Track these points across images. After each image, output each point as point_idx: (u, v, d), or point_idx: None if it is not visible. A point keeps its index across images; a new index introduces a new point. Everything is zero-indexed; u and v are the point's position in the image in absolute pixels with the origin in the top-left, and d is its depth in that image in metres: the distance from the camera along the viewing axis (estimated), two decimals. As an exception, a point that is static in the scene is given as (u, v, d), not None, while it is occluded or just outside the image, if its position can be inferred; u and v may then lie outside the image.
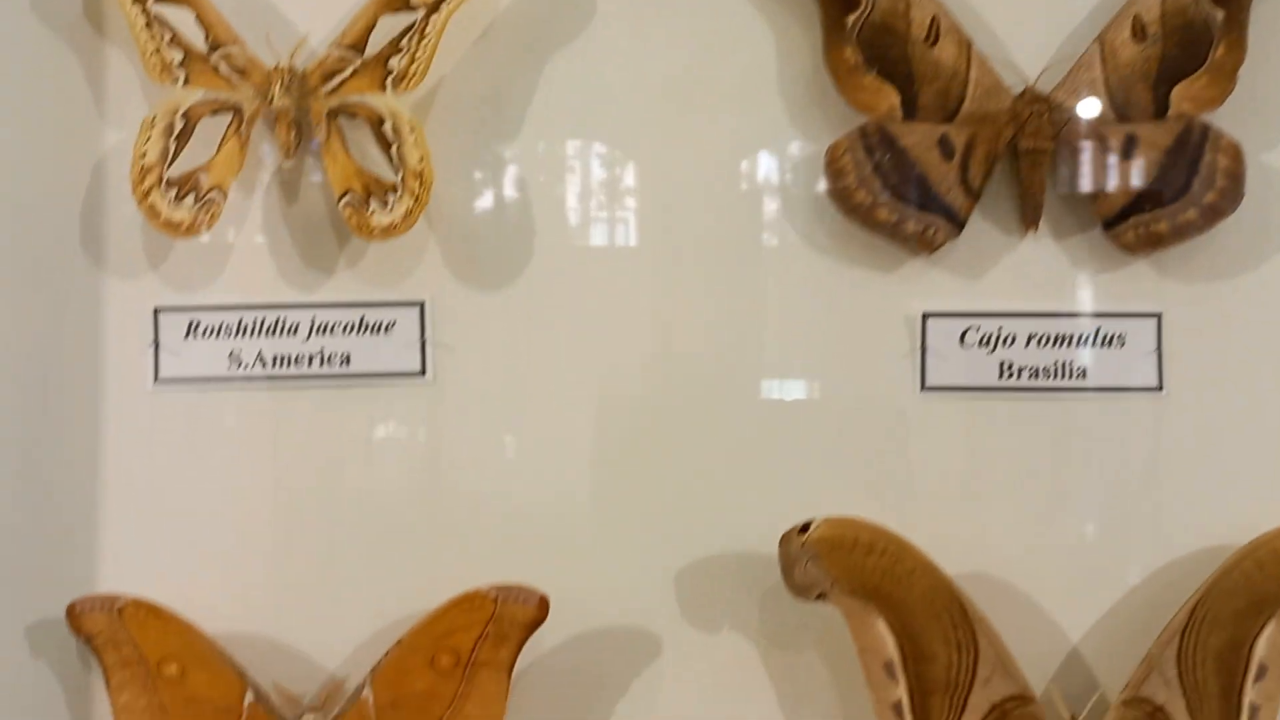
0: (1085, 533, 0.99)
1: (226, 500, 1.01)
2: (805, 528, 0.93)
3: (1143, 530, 0.99)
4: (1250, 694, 0.93)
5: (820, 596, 0.93)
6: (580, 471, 1.00)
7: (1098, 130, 0.96)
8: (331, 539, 1.00)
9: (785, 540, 0.93)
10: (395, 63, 0.97)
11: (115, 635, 0.95)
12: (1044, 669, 0.97)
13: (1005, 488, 1.00)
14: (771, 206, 1.00)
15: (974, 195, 0.97)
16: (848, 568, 0.93)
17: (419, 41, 0.96)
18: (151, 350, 1.00)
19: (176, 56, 0.97)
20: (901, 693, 0.93)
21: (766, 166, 1.00)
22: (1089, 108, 0.97)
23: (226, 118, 0.97)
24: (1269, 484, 0.99)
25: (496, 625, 0.95)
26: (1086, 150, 0.96)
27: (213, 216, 0.96)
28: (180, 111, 0.96)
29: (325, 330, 1.00)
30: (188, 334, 1.00)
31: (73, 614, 0.95)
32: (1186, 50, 0.96)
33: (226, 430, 1.01)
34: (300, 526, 1.00)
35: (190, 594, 0.97)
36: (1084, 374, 0.99)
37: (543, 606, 0.95)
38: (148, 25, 0.96)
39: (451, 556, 1.00)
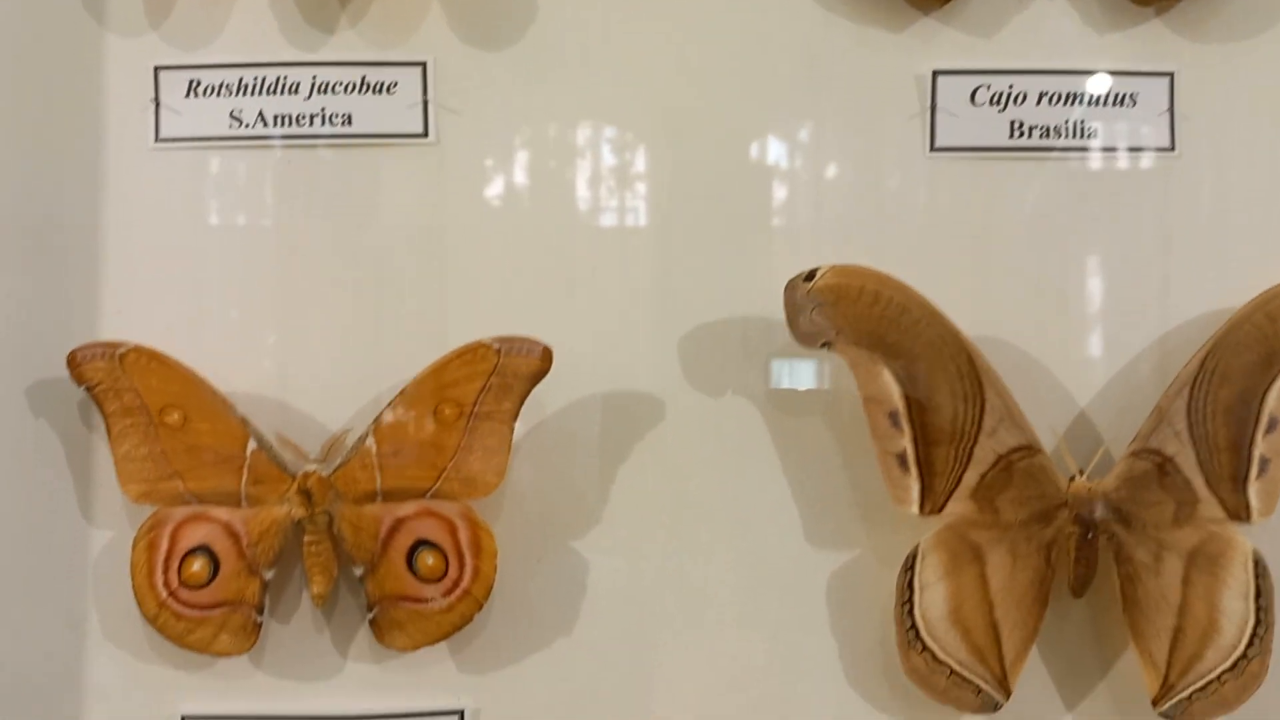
0: (1095, 295, 0.98)
1: (228, 261, 1.00)
2: (811, 275, 0.92)
3: (1152, 293, 0.98)
4: (1260, 447, 0.92)
5: (826, 345, 0.92)
6: (584, 233, 0.99)
7: (1113, -123, 0.95)
8: (335, 299, 0.99)
9: (791, 287, 0.92)
10: None
11: (116, 383, 0.94)
12: (1052, 430, 0.96)
13: (1014, 250, 0.98)
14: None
15: (986, -57, 0.95)
16: (853, 316, 0.92)
17: None
18: (152, 109, 0.99)
19: None
20: (906, 442, 0.93)
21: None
22: None
23: None
24: (1279, 246, 0.98)
25: (500, 377, 0.94)
26: (1101, -102, 0.95)
27: (213, -38, 0.95)
28: None
29: (326, 90, 0.99)
30: (188, 93, 0.99)
31: (73, 362, 0.94)
32: None
33: (228, 190, 0.99)
34: (302, 287, 0.99)
35: (193, 356, 0.96)
36: (1095, 134, 0.97)
37: (546, 357, 0.94)
38: None
39: (455, 319, 0.99)
